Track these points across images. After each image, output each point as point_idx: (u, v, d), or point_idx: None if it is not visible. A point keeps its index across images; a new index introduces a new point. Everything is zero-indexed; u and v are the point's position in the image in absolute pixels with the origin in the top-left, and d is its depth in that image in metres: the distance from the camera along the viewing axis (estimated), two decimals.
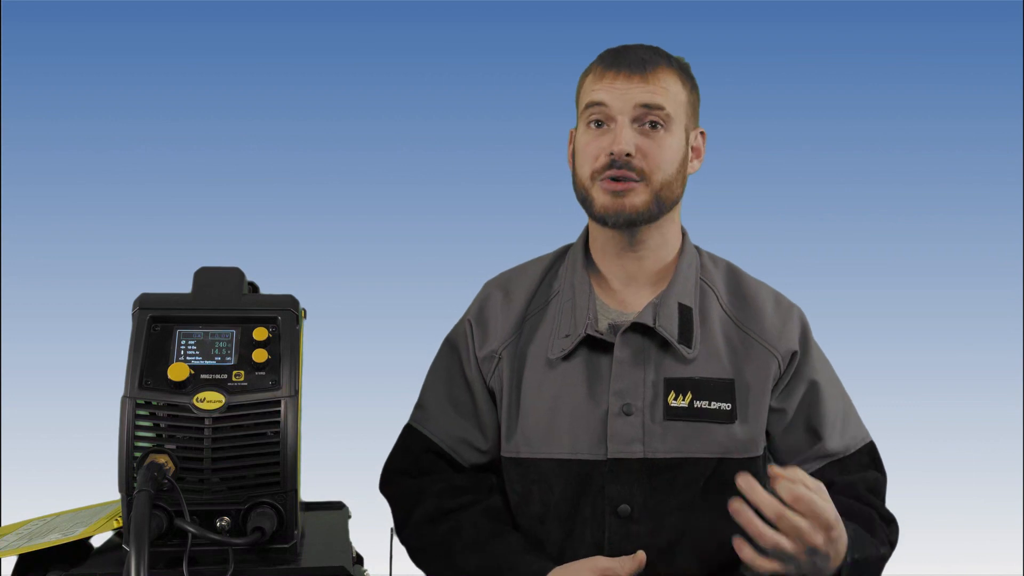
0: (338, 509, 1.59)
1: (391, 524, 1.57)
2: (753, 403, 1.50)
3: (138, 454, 1.23)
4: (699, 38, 2.64)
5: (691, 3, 2.67)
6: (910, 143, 2.71)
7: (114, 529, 1.35)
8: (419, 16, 2.69)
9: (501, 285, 1.63)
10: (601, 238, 1.56)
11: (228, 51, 2.66)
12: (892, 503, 1.57)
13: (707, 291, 1.57)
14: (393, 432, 1.61)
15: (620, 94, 1.48)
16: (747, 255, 1.68)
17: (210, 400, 1.26)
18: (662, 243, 1.55)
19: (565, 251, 1.65)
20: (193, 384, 1.27)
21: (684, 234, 1.60)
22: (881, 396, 1.67)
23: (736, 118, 2.61)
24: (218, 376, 1.28)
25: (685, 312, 1.52)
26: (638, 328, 1.50)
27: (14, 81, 2.52)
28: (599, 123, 1.51)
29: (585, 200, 1.53)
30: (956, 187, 2.71)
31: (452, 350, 1.61)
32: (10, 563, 1.30)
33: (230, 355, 1.30)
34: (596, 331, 1.50)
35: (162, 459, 1.21)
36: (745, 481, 1.25)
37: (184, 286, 1.37)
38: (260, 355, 1.30)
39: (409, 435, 1.60)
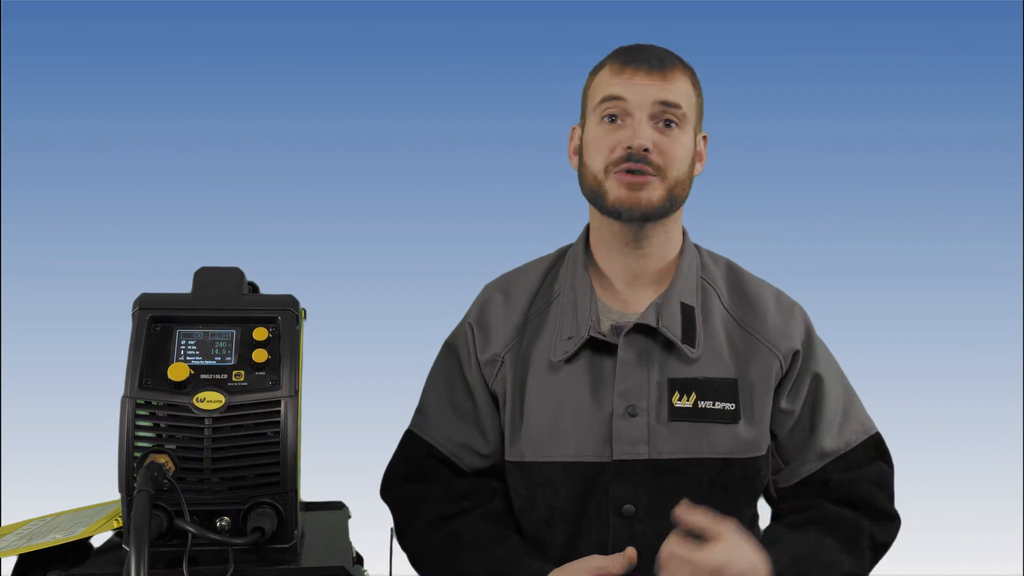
0: (338, 509, 1.59)
1: (391, 524, 1.56)
2: (756, 403, 1.50)
3: (138, 454, 1.23)
4: (699, 38, 2.64)
5: (691, 3, 2.67)
6: (910, 143, 2.72)
7: (114, 529, 1.35)
8: (419, 16, 2.70)
9: (501, 287, 1.62)
10: (606, 236, 1.55)
11: (228, 51, 2.66)
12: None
13: (708, 290, 1.56)
14: (393, 432, 1.60)
15: (640, 90, 1.48)
16: (747, 255, 1.68)
17: (210, 400, 1.26)
18: (666, 241, 1.55)
19: (564, 252, 1.64)
20: (193, 384, 1.27)
21: (684, 233, 1.60)
22: (881, 396, 1.67)
23: (736, 118, 2.60)
24: (218, 376, 1.28)
25: (688, 311, 1.51)
26: (641, 329, 1.49)
27: (14, 81, 2.53)
28: (613, 118, 1.50)
29: (596, 193, 1.51)
30: (956, 187, 2.71)
31: (452, 354, 1.60)
32: (10, 563, 1.31)
33: (230, 355, 1.30)
34: (599, 333, 1.49)
35: (162, 459, 1.21)
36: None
37: (184, 286, 1.37)
38: (260, 355, 1.30)
39: (410, 441, 1.59)
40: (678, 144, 1.49)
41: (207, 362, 1.29)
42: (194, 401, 1.25)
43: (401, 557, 1.54)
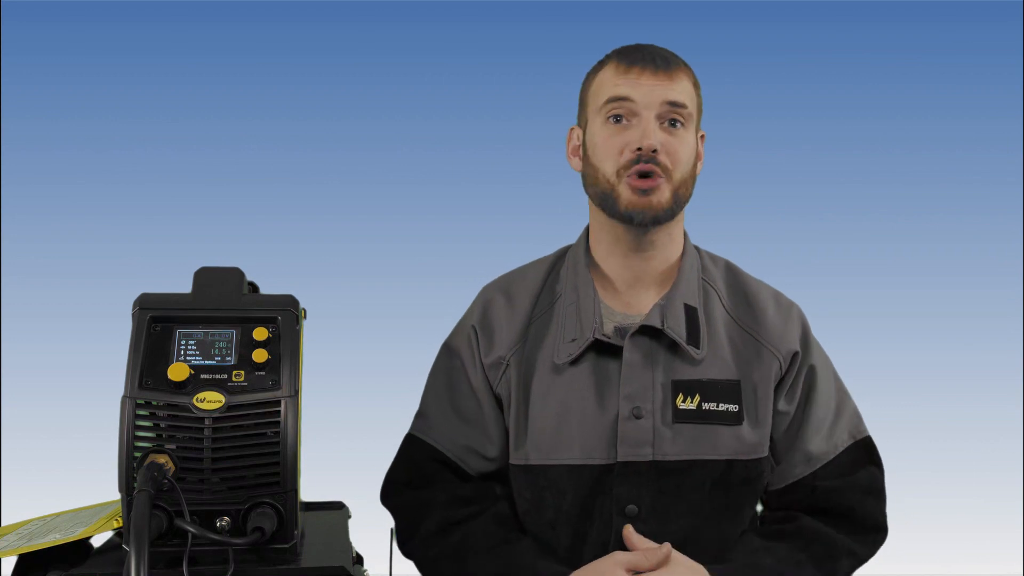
0: (338, 509, 1.59)
1: (392, 525, 1.56)
2: (759, 404, 1.50)
3: (138, 454, 1.23)
4: (699, 38, 2.64)
5: (691, 3, 2.67)
6: (910, 143, 2.71)
7: (114, 529, 1.35)
8: (419, 16, 2.70)
9: (502, 289, 1.61)
10: (608, 238, 1.54)
11: (228, 51, 2.66)
12: (891, 505, 1.57)
13: (709, 291, 1.56)
14: (394, 433, 1.59)
15: (647, 90, 1.47)
16: (747, 255, 1.68)
17: (210, 400, 1.25)
18: (668, 243, 1.54)
19: (564, 252, 1.63)
20: (193, 384, 1.27)
21: (685, 234, 1.59)
22: (881, 396, 1.67)
23: (736, 118, 2.61)
24: (218, 376, 1.28)
25: (691, 313, 1.51)
26: (646, 330, 1.49)
27: (14, 81, 2.53)
28: (619, 118, 1.49)
29: (607, 196, 1.50)
30: (956, 187, 2.71)
31: (454, 357, 1.58)
32: (10, 563, 1.30)
33: (230, 355, 1.30)
34: (603, 335, 1.49)
35: (162, 459, 1.21)
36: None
37: (184, 286, 1.37)
38: (260, 355, 1.30)
39: (411, 445, 1.57)
40: (684, 144, 1.49)
41: (207, 362, 1.29)
42: (194, 401, 1.25)
43: (401, 557, 1.54)
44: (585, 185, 1.55)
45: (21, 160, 2.54)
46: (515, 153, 2.66)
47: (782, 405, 1.53)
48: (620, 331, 1.50)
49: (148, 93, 2.62)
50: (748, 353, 1.52)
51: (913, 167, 2.71)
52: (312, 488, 1.48)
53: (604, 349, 1.49)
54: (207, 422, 1.25)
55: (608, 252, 1.55)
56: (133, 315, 1.32)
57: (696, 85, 1.54)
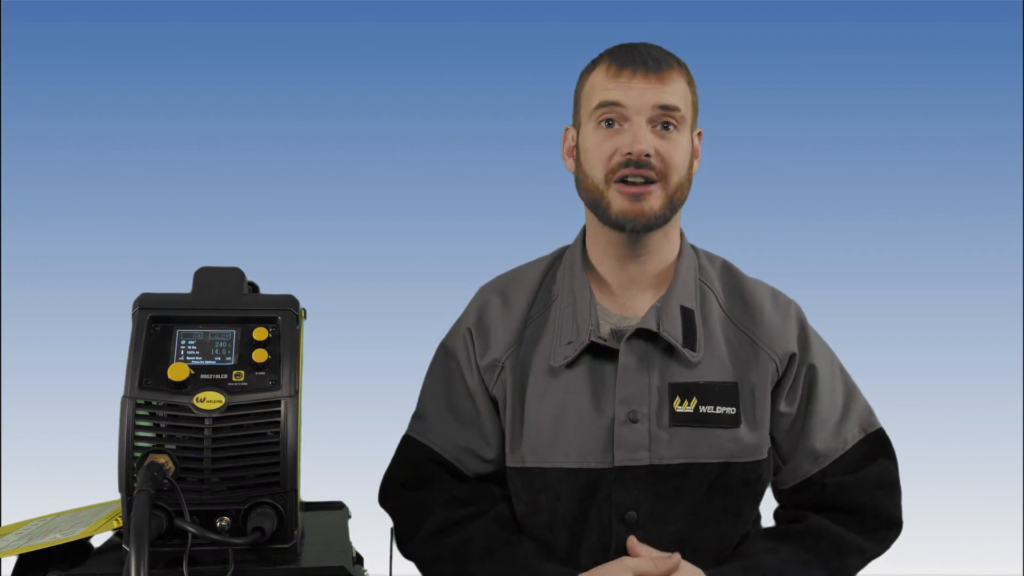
0: (338, 509, 1.58)
1: (392, 525, 1.55)
2: (756, 406, 1.49)
3: (138, 454, 1.23)
4: (699, 38, 2.63)
5: (691, 3, 2.66)
6: (910, 143, 2.70)
7: (114, 529, 1.34)
8: (419, 16, 2.69)
9: (498, 290, 1.60)
10: (603, 241, 1.53)
11: (228, 51, 2.65)
12: None
13: (706, 292, 1.55)
14: (393, 432, 1.59)
15: (637, 94, 1.45)
16: (747, 255, 1.67)
17: (210, 400, 1.25)
18: (664, 245, 1.53)
19: (561, 253, 1.62)
20: (193, 384, 1.27)
21: (682, 234, 1.58)
22: (881, 396, 1.66)
23: (736, 118, 2.60)
24: (218, 376, 1.28)
25: (688, 315, 1.50)
26: (642, 333, 1.48)
27: (14, 81, 2.52)
28: (611, 122, 1.47)
29: (598, 204, 1.48)
30: (956, 187, 2.70)
31: (450, 358, 1.58)
32: (10, 563, 1.30)
33: (230, 355, 1.30)
34: (599, 337, 1.48)
35: (162, 459, 1.21)
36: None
37: (184, 286, 1.37)
38: (260, 355, 1.30)
39: (408, 446, 1.56)
40: (678, 148, 1.47)
41: (207, 362, 1.29)
42: (194, 401, 1.25)
43: (401, 557, 1.54)
44: (578, 188, 1.54)
45: (21, 160, 2.54)
46: (515, 153, 2.66)
47: (783, 407, 1.52)
48: (616, 334, 1.49)
49: (148, 93, 2.62)
50: (745, 354, 1.51)
51: (913, 167, 2.70)
52: (312, 488, 1.48)
53: (600, 352, 1.48)
54: (207, 422, 1.25)
55: (604, 255, 1.54)
56: (133, 315, 1.31)
57: (690, 83, 1.51)
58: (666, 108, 1.46)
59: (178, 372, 1.26)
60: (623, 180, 1.45)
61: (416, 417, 1.58)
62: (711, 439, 1.46)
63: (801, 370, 1.53)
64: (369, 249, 2.62)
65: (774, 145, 2.68)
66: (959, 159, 2.69)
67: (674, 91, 1.47)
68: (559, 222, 1.69)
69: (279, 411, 1.27)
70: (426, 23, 2.67)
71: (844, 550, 1.48)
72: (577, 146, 1.54)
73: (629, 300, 1.53)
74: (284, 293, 1.36)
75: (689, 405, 1.46)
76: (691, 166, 1.51)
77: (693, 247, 1.60)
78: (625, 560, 1.41)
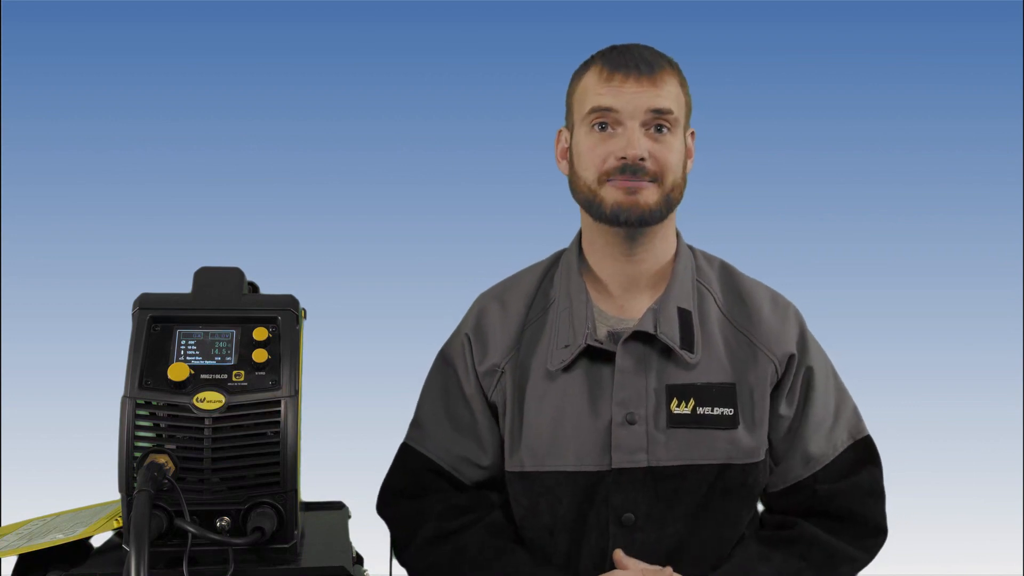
0: (338, 509, 1.58)
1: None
2: (754, 408, 1.48)
3: (138, 454, 1.23)
4: (699, 38, 2.63)
5: (691, 3, 2.65)
6: (910, 143, 2.69)
7: (114, 529, 1.34)
8: (419, 16, 2.68)
9: (496, 296, 1.59)
10: (600, 241, 1.53)
11: (228, 51, 2.64)
12: (891, 505, 1.56)
13: (704, 293, 1.54)
14: (393, 433, 1.59)
15: (630, 98, 1.45)
16: (747, 255, 1.67)
17: (210, 400, 1.25)
18: (660, 244, 1.53)
19: (559, 257, 1.62)
20: (193, 384, 1.27)
21: (678, 234, 1.57)
22: (881, 396, 1.66)
23: (736, 118, 2.60)
24: (218, 376, 1.28)
25: (685, 316, 1.49)
26: (639, 336, 1.47)
27: (14, 81, 2.51)
28: (604, 126, 1.46)
29: (591, 202, 1.48)
30: (956, 187, 2.69)
31: (448, 365, 1.57)
32: (10, 563, 1.30)
33: (230, 355, 1.30)
34: (596, 340, 1.47)
35: (162, 459, 1.21)
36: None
37: (184, 286, 1.37)
38: (260, 355, 1.30)
39: (406, 454, 1.56)
40: (672, 150, 1.46)
41: (207, 362, 1.29)
42: (194, 401, 1.25)
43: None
44: (571, 190, 1.53)
45: (21, 160, 2.53)
46: (515, 153, 2.65)
47: (783, 409, 1.52)
48: (613, 336, 1.48)
49: (148, 93, 2.61)
50: (743, 355, 1.50)
51: (913, 167, 2.70)
52: (312, 488, 1.47)
53: (597, 355, 1.48)
54: (207, 422, 1.25)
55: (600, 256, 1.53)
56: (133, 315, 1.31)
57: (683, 84, 1.51)
58: (659, 112, 1.45)
59: (178, 372, 1.26)
60: (620, 176, 1.45)
61: (414, 425, 1.58)
62: (709, 440, 1.45)
63: (799, 372, 1.53)
64: (369, 249, 2.63)
65: (774, 145, 2.69)
66: (959, 159, 2.70)
67: (667, 94, 1.46)
68: (559, 222, 1.69)
69: (279, 411, 1.27)
70: (426, 23, 2.68)
71: (836, 559, 1.48)
72: (570, 148, 1.53)
73: (626, 302, 1.53)
74: (284, 293, 1.36)
75: (687, 406, 1.46)
76: (685, 166, 1.51)
77: (691, 248, 1.59)
78: (616, 574, 1.41)
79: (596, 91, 1.47)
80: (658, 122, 1.46)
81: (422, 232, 2.63)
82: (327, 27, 2.66)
